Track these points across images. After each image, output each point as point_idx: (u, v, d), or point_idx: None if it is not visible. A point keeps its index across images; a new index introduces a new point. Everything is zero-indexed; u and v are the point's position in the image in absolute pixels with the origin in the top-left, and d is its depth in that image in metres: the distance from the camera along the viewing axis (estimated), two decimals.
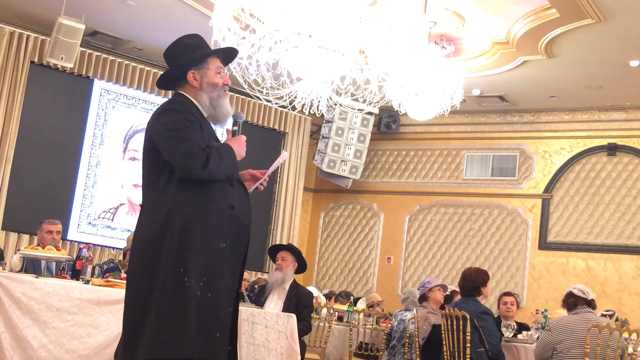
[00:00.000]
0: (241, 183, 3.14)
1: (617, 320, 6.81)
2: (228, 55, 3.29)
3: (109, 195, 9.96)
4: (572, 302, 5.33)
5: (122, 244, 9.05)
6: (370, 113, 10.95)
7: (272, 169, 3.27)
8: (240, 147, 3.11)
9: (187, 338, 2.79)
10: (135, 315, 2.87)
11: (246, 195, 3.13)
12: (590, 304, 5.29)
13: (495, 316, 6.69)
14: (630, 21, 7.49)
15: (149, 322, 2.82)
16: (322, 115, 8.02)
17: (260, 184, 3.23)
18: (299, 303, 6.40)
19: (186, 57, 3.11)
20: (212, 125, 3.16)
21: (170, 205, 2.91)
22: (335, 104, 7.29)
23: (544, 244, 10.45)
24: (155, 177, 2.99)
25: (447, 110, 7.98)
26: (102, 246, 9.77)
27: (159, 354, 2.79)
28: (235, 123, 3.19)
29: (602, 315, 6.31)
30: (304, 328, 6.24)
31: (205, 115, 3.12)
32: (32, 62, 9.20)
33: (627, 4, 7.14)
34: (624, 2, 7.13)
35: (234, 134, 3.18)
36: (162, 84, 3.25)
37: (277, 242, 10.77)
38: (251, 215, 3.13)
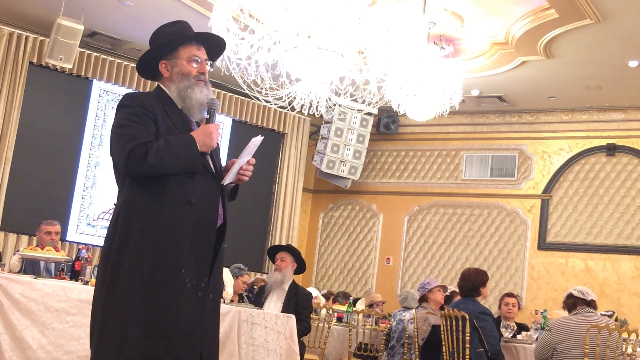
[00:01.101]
0: (212, 175, 2.93)
1: (616, 320, 6.81)
2: (208, 42, 3.08)
3: (108, 196, 9.95)
4: (572, 302, 5.34)
5: None
6: (369, 113, 10.95)
7: (244, 156, 2.99)
8: (205, 136, 2.87)
9: (128, 341, 2.69)
10: (92, 315, 2.85)
11: (215, 188, 2.93)
12: (590, 304, 5.30)
13: (495, 317, 6.69)
14: (629, 21, 7.49)
15: (96, 323, 2.80)
16: (321, 116, 8.02)
17: (240, 174, 2.99)
18: (298, 304, 6.40)
19: (157, 47, 3.00)
20: (186, 115, 2.99)
21: (120, 204, 2.86)
22: (335, 105, 7.30)
23: (543, 245, 10.46)
24: (117, 175, 2.97)
25: (446, 110, 7.98)
26: (101, 247, 9.74)
27: (100, 357, 2.75)
28: (207, 111, 2.96)
29: (602, 315, 6.31)
30: (303, 329, 6.24)
31: (180, 107, 2.97)
32: (31, 62, 9.20)
33: (626, 4, 7.15)
34: (623, 3, 7.13)
35: (206, 122, 2.95)
36: (145, 75, 3.12)
37: (276, 243, 10.77)
38: (218, 209, 2.94)
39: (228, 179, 2.97)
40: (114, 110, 3.00)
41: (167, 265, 2.77)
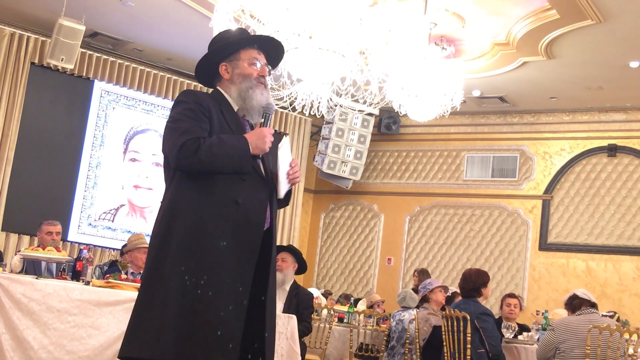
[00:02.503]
0: (262, 179, 2.93)
1: (618, 321, 6.81)
2: (266, 44, 3.12)
3: (109, 196, 9.96)
4: (577, 303, 5.35)
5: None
6: (370, 114, 10.96)
7: (282, 162, 3.02)
8: (259, 139, 2.88)
9: (164, 339, 2.65)
10: (134, 311, 2.82)
11: (264, 191, 2.91)
12: (594, 306, 5.32)
13: (497, 317, 6.69)
14: (630, 22, 7.49)
15: (131, 317, 2.78)
16: (323, 117, 8.04)
17: (291, 178, 3.00)
18: (299, 304, 6.40)
19: (217, 50, 3.04)
20: (244, 117, 3.02)
21: (168, 202, 2.83)
22: (336, 105, 7.31)
23: (544, 245, 10.45)
24: (166, 172, 2.93)
25: (447, 111, 7.98)
26: (102, 247, 9.77)
27: (130, 352, 2.72)
28: (263, 115, 3.00)
29: (603, 316, 6.31)
30: (304, 329, 6.24)
31: (236, 109, 3.00)
32: (32, 63, 9.21)
33: (627, 5, 7.15)
34: (624, 3, 7.13)
35: (261, 126, 2.98)
36: (203, 80, 3.14)
37: (277, 243, 10.75)
38: (266, 213, 2.90)
39: (283, 190, 2.99)
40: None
41: (207, 265, 2.72)
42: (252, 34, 3.12)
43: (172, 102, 2.99)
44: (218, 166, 2.78)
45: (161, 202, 2.92)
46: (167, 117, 2.92)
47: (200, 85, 3.32)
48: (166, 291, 2.70)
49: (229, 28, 3.22)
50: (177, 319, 2.67)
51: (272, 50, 3.15)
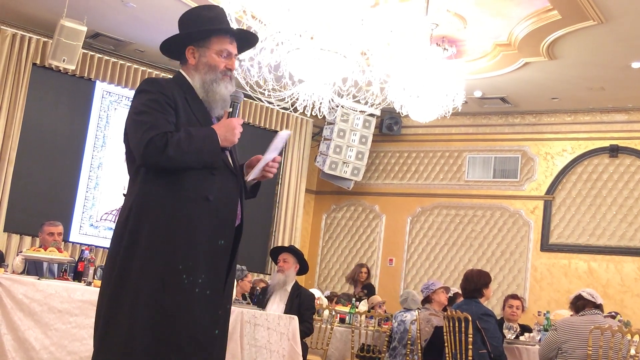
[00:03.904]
0: (232, 172, 2.79)
1: (620, 321, 6.81)
2: (242, 38, 2.93)
3: (111, 196, 9.96)
4: (581, 304, 5.34)
5: None
6: (372, 115, 10.96)
7: (270, 152, 2.87)
8: (228, 131, 2.72)
9: (135, 345, 2.54)
10: (97, 311, 2.69)
11: (234, 186, 2.78)
12: (599, 307, 5.31)
13: (498, 318, 6.68)
14: (632, 23, 7.48)
15: (99, 324, 2.63)
16: (324, 117, 8.04)
17: (266, 170, 2.87)
18: (300, 305, 6.40)
19: (189, 29, 2.85)
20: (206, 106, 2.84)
21: (133, 197, 2.66)
22: (337, 106, 7.31)
23: (546, 246, 10.44)
24: (129, 165, 2.76)
25: (448, 111, 7.98)
26: (104, 248, 9.76)
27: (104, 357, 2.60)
28: (230, 104, 2.82)
29: (606, 317, 6.31)
30: (306, 330, 6.24)
31: (200, 97, 2.81)
32: (34, 64, 9.21)
33: (629, 5, 7.14)
34: (626, 4, 7.12)
35: (229, 116, 2.80)
36: (169, 53, 2.95)
37: (279, 244, 10.77)
38: (237, 208, 2.77)
39: (252, 175, 2.86)
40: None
41: (179, 265, 2.60)
42: (227, 19, 2.92)
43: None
44: (188, 162, 2.63)
45: (125, 198, 2.76)
46: (130, 107, 2.74)
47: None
48: (135, 294, 2.57)
49: (208, 5, 2.96)
50: (149, 322, 2.56)
51: (244, 41, 2.97)
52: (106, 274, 2.70)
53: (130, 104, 2.78)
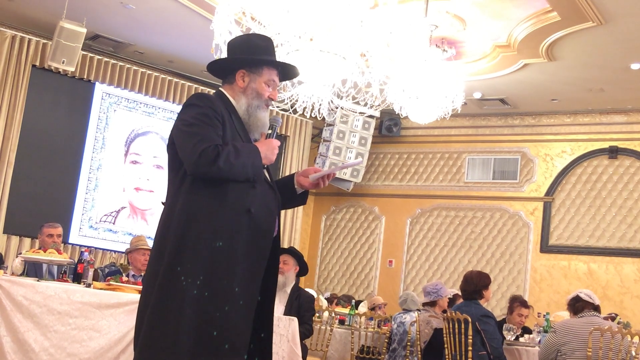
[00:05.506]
0: (270, 186, 2.98)
1: (619, 323, 6.80)
2: (287, 72, 3.16)
3: (110, 198, 9.97)
4: (580, 306, 5.34)
5: (124, 248, 9.06)
6: (371, 116, 10.96)
7: (337, 168, 3.14)
8: (268, 150, 2.92)
9: (181, 346, 2.68)
10: (140, 314, 2.81)
11: (273, 199, 2.97)
12: (597, 309, 5.31)
13: (500, 320, 6.67)
14: (631, 24, 7.49)
15: (143, 325, 2.75)
16: (324, 119, 8.04)
17: (322, 180, 3.08)
18: (300, 306, 6.39)
19: (243, 54, 3.02)
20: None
21: (179, 206, 2.80)
22: (337, 107, 7.31)
23: (546, 247, 10.45)
24: (173, 174, 2.90)
25: (448, 113, 7.98)
26: (103, 249, 9.77)
27: (148, 358, 2.72)
28: (270, 127, 3.04)
29: (605, 318, 6.31)
30: (306, 331, 6.23)
31: (241, 118, 3.00)
32: (33, 65, 9.22)
33: (628, 6, 7.14)
34: (625, 5, 7.13)
35: (267, 137, 3.02)
36: (214, 70, 3.12)
37: None
38: (275, 221, 2.97)
39: (314, 177, 3.07)
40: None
41: (221, 274, 2.75)
42: (276, 48, 3.14)
43: (181, 105, 2.96)
44: (235, 175, 2.79)
45: (166, 204, 2.89)
46: (179, 119, 2.90)
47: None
48: (182, 298, 2.70)
49: (254, 32, 3.14)
50: (193, 326, 2.69)
51: (287, 73, 3.18)
52: (149, 277, 2.82)
53: (176, 116, 2.94)
